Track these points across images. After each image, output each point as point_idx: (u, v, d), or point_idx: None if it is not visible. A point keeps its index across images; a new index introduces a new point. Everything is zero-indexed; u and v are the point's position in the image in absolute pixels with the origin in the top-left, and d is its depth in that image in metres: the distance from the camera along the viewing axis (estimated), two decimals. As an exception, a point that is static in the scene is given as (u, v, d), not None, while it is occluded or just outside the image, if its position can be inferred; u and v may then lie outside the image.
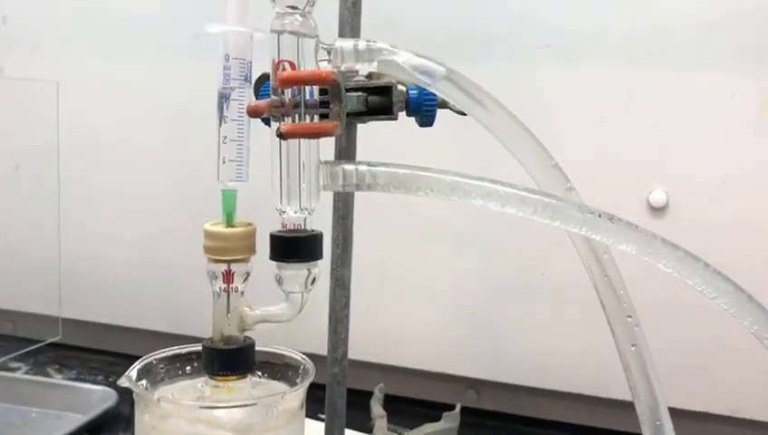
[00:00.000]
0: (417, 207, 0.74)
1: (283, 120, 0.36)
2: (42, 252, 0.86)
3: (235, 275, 0.36)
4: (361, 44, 0.37)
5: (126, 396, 0.81)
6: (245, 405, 0.34)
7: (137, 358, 0.96)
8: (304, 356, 0.39)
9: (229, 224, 0.37)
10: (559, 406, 0.79)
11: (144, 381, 0.37)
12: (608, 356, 0.76)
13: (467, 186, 0.36)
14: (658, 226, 0.69)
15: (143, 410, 0.35)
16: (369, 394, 0.66)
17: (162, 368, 0.38)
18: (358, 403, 0.59)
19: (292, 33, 0.36)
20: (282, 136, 0.35)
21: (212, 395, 0.37)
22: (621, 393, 0.75)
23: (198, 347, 0.39)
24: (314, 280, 0.37)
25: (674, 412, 0.39)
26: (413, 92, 0.41)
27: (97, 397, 0.77)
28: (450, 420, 0.63)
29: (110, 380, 0.87)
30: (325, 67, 0.37)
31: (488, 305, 0.77)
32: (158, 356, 0.38)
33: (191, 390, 0.38)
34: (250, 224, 0.37)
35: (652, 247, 0.36)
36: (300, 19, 0.36)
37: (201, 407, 0.35)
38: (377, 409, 0.63)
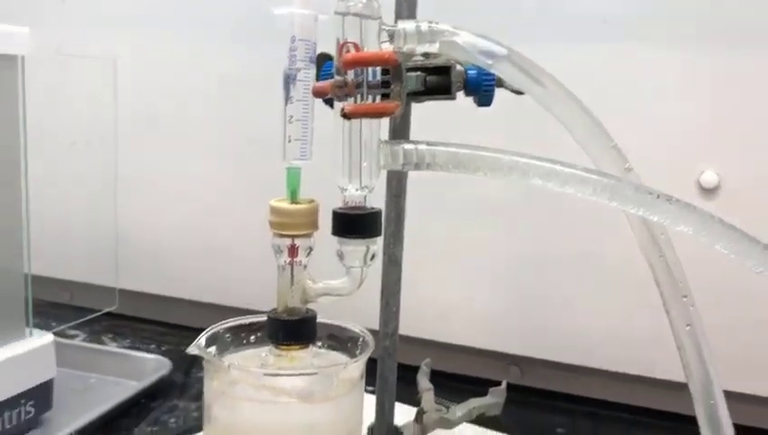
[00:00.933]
0: (467, 182, 0.75)
1: (346, 100, 0.37)
2: (99, 224, 0.89)
3: (299, 250, 0.38)
4: (424, 26, 0.37)
5: (179, 364, 0.84)
6: (308, 374, 0.36)
7: (187, 329, 0.99)
8: (364, 329, 0.40)
9: (293, 201, 0.38)
10: (605, 385, 0.80)
11: (213, 348, 0.39)
12: (656, 337, 0.76)
13: (526, 165, 0.37)
14: (709, 207, 0.68)
15: (212, 377, 0.36)
16: (415, 368, 0.67)
17: (228, 337, 0.40)
18: (403, 377, 0.60)
19: (355, 15, 0.37)
20: (346, 116, 0.36)
21: (275, 363, 0.38)
22: (669, 374, 0.76)
23: (261, 318, 0.41)
24: (373, 256, 0.38)
25: (728, 395, 0.40)
26: (471, 72, 0.41)
27: (151, 365, 0.80)
28: (496, 395, 0.64)
29: (163, 349, 0.91)
30: (387, 48, 0.38)
31: (537, 282, 0.78)
32: (224, 326, 0.40)
33: (255, 358, 0.39)
34: (313, 201, 0.38)
35: (709, 229, 0.36)
36: (363, 1, 0.37)
37: (266, 374, 0.36)
38: (424, 382, 0.65)
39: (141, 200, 0.92)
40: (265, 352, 0.39)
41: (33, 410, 0.68)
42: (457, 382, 0.83)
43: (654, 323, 0.75)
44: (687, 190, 0.69)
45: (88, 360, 0.81)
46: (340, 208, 0.38)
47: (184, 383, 0.81)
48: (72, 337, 0.91)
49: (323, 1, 0.39)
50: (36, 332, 0.70)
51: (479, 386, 0.83)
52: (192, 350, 0.37)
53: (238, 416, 0.35)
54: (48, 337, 0.70)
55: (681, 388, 0.46)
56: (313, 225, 0.38)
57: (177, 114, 0.89)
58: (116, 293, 0.83)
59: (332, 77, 0.41)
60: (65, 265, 0.96)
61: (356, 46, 0.36)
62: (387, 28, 0.38)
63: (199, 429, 0.72)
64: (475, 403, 0.63)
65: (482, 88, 0.41)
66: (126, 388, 0.77)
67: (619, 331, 0.76)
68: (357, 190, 0.38)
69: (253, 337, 0.41)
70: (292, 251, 0.37)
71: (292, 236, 0.37)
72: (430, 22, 0.37)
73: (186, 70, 0.87)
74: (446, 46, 0.37)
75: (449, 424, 0.60)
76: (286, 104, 0.37)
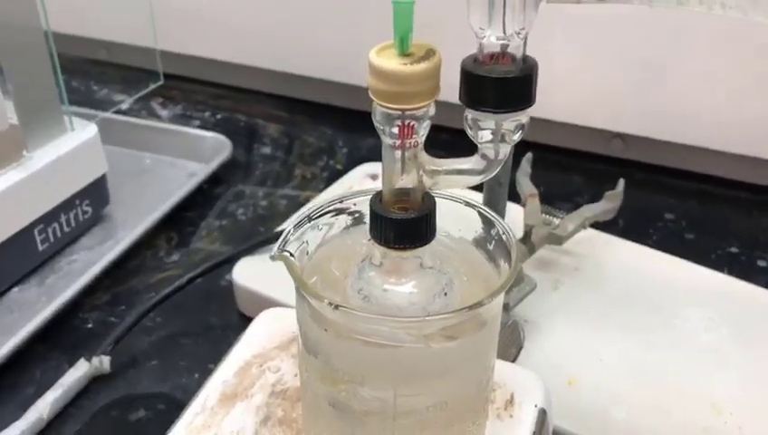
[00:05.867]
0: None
1: None
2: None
3: (413, 126, 0.26)
4: None
5: (238, 139, 0.76)
6: (443, 318, 0.26)
7: (242, 90, 0.89)
8: (502, 221, 0.30)
9: (403, 51, 0.25)
10: (720, 162, 0.70)
11: (302, 240, 0.29)
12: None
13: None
14: None
15: (311, 311, 0.28)
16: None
17: (317, 224, 0.30)
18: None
19: None
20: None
21: (382, 258, 0.29)
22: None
23: (361, 197, 0.31)
24: (522, 128, 0.27)
25: None
26: None
27: (210, 144, 0.73)
28: (612, 200, 0.55)
29: (218, 117, 0.82)
30: None
31: (644, 54, 0.64)
32: (311, 210, 0.30)
33: (354, 249, 0.30)
34: (433, 52, 0.25)
35: None
36: None
37: (386, 319, 0.27)
38: (526, 184, 0.56)
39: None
40: (367, 240, 0.30)
41: (89, 209, 0.62)
42: (554, 155, 0.73)
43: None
44: None
45: (141, 138, 0.74)
46: (474, 62, 0.26)
47: (247, 163, 0.74)
48: (119, 103, 0.83)
49: None
50: (78, 123, 0.61)
51: (577, 159, 0.74)
52: (275, 258, 0.28)
53: (349, 358, 0.27)
54: (92, 129, 0.61)
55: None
56: (434, 91, 0.25)
57: None
58: (157, 55, 0.72)
59: None
60: (99, 22, 0.84)
61: None
62: None
63: (271, 222, 0.65)
64: (587, 213, 0.54)
65: None
66: (184, 171, 0.71)
67: (754, 114, 0.64)
68: (499, 39, 0.25)
69: (349, 216, 0.31)
70: (404, 130, 0.26)
71: (404, 110, 0.25)
72: None
73: None
74: None
75: (560, 240, 0.52)
76: None
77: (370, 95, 0.26)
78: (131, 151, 0.73)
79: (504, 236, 0.28)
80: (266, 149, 0.76)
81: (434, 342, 0.26)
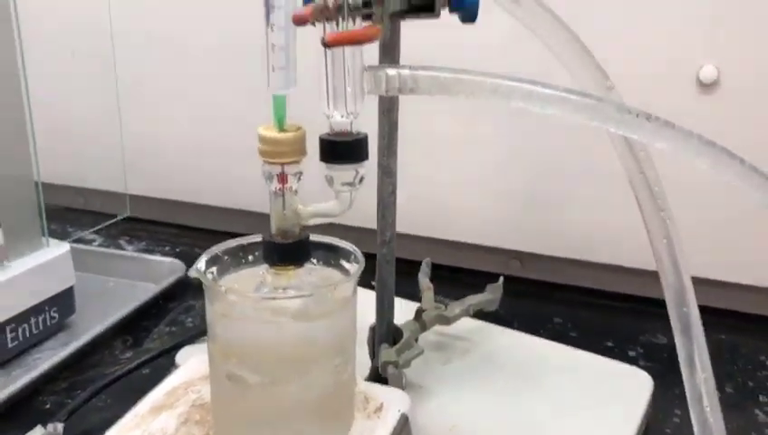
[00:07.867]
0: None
1: (328, 23, 0.37)
2: (106, 133, 0.90)
3: (288, 176, 0.39)
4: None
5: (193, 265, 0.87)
6: (303, 296, 0.38)
7: (200, 230, 1.01)
8: (355, 248, 0.42)
9: (281, 128, 0.39)
10: (603, 276, 0.83)
11: (214, 269, 0.41)
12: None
13: (508, 88, 0.37)
14: (707, 103, 0.68)
15: (212, 300, 0.39)
16: (417, 263, 0.70)
17: (227, 258, 0.42)
18: (405, 273, 0.62)
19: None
20: (326, 45, 0.36)
21: (272, 282, 0.41)
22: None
23: (258, 239, 0.43)
24: (362, 178, 0.40)
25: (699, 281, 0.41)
26: (456, -11, 0.41)
27: (167, 268, 0.84)
28: (493, 292, 0.67)
29: (177, 250, 0.94)
30: (367, -30, 0.37)
31: (535, 182, 0.79)
32: (222, 248, 0.42)
33: (254, 277, 0.42)
34: (300, 128, 0.39)
35: (688, 145, 0.37)
36: None
37: (263, 298, 0.38)
38: (424, 281, 0.68)
39: (144, 108, 0.92)
40: (263, 271, 0.41)
41: (56, 315, 0.72)
42: (459, 275, 0.86)
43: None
44: (686, 86, 0.69)
45: (106, 264, 0.85)
46: (327, 135, 0.39)
47: (199, 284, 0.85)
48: (90, 242, 0.95)
49: None
50: (53, 242, 0.73)
51: (480, 278, 0.86)
52: (192, 273, 0.39)
53: (239, 335, 0.38)
54: (64, 247, 0.73)
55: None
56: (301, 151, 0.39)
57: (173, 21, 0.88)
58: (126, 199, 0.86)
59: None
60: (78, 173, 0.98)
61: (334, -30, 0.36)
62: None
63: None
64: (472, 300, 0.66)
65: (466, 3, 0.41)
66: (143, 290, 0.81)
67: (618, 226, 0.78)
68: (342, 117, 0.39)
69: (251, 256, 0.43)
70: (282, 178, 0.39)
71: (282, 164, 0.38)
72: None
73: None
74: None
75: (447, 321, 0.63)
76: (267, 32, 0.38)
77: (259, 156, 0.39)
78: (98, 276, 0.84)
79: (353, 254, 0.40)
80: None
81: (301, 319, 0.37)
